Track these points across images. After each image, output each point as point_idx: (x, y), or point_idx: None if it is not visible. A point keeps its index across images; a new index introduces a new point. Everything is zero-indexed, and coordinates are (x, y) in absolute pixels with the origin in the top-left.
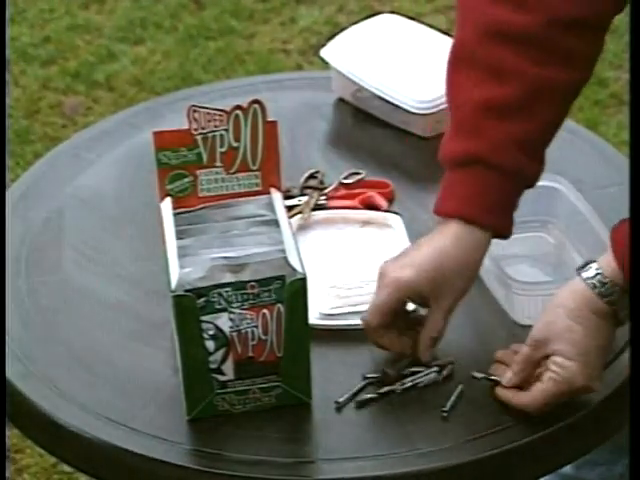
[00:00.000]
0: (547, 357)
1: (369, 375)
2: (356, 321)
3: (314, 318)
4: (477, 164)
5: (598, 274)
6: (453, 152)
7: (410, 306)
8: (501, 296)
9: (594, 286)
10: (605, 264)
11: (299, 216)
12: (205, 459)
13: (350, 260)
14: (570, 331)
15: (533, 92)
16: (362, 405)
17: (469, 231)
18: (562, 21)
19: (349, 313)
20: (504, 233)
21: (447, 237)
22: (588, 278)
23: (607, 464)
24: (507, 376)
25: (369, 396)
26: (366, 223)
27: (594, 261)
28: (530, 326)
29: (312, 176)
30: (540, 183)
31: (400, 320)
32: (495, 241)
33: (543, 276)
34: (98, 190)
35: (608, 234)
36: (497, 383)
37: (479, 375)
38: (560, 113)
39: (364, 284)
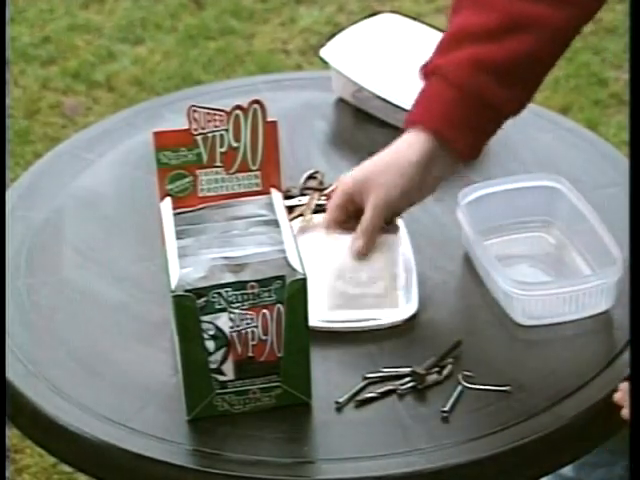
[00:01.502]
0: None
1: (369, 375)
2: (358, 323)
3: (316, 320)
4: (433, 74)
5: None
6: (424, 66)
7: None
8: (501, 296)
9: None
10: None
11: (300, 219)
12: (205, 459)
13: (351, 263)
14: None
15: (509, 23)
16: (362, 405)
17: (411, 135)
18: None
19: (350, 317)
20: (452, 145)
21: (394, 142)
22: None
23: (607, 466)
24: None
25: (369, 396)
26: None
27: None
28: (530, 327)
29: (312, 177)
30: (540, 183)
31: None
32: (495, 242)
33: (543, 276)
34: (98, 190)
35: (608, 234)
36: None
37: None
38: (542, 48)
39: (366, 286)
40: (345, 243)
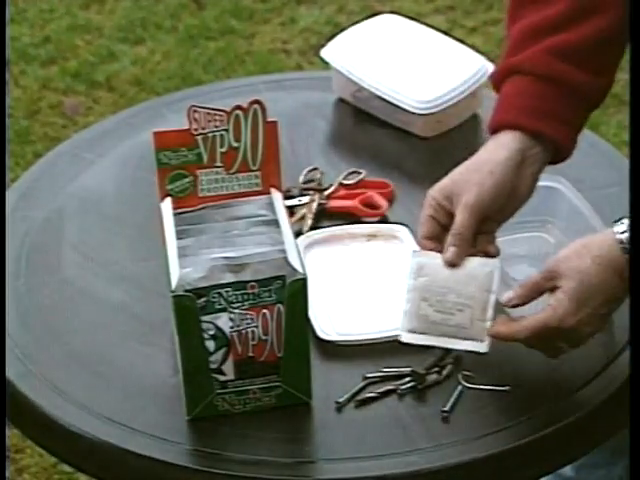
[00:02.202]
0: (553, 290)
1: (369, 375)
2: (371, 335)
3: (335, 334)
4: (513, 75)
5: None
6: (495, 72)
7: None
8: (501, 296)
9: (621, 241)
10: None
11: (304, 236)
12: (205, 459)
13: (360, 276)
14: (582, 272)
15: (578, 9)
16: (362, 405)
17: (502, 134)
18: None
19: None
20: (549, 137)
21: (483, 147)
22: (618, 232)
23: (607, 466)
24: (507, 295)
25: (369, 396)
26: (372, 237)
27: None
28: None
29: (311, 176)
30: (540, 183)
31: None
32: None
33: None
34: (98, 190)
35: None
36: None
37: None
38: (613, 28)
39: (450, 313)
40: (351, 256)
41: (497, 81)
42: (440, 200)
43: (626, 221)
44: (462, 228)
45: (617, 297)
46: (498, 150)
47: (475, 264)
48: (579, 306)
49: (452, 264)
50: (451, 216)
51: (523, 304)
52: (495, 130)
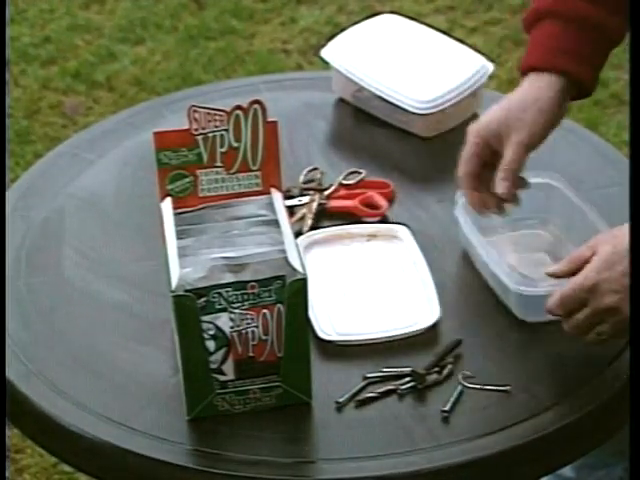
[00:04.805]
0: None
1: (369, 375)
2: (371, 335)
3: (335, 334)
4: (545, 18)
5: None
6: (526, 16)
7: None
8: (502, 293)
9: None
10: None
11: (304, 236)
12: (205, 459)
13: (360, 276)
14: (616, 237)
15: None
16: (362, 405)
17: (538, 76)
18: None
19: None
20: (579, 78)
21: (519, 88)
22: None
23: (607, 467)
24: (553, 268)
25: (369, 396)
26: (372, 237)
27: None
28: (530, 326)
29: (311, 176)
30: (536, 180)
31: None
32: (492, 240)
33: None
34: (98, 190)
35: (606, 228)
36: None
37: None
38: None
39: (378, 299)
40: (351, 256)
41: (529, 23)
42: (488, 138)
43: None
44: (515, 164)
45: None
46: (543, 90)
47: None
48: (607, 265)
49: (507, 198)
50: (496, 153)
51: (569, 275)
52: (531, 69)
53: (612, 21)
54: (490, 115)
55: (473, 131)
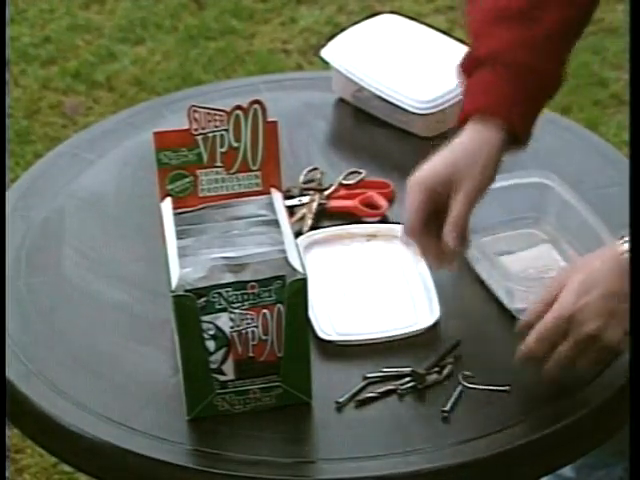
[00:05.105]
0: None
1: (369, 375)
2: (371, 335)
3: (335, 334)
4: (485, 65)
5: None
6: (464, 61)
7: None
8: (501, 292)
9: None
10: None
11: (304, 236)
12: (205, 459)
13: (360, 276)
14: (587, 265)
15: None
16: (362, 405)
17: (481, 125)
18: None
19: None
20: (518, 130)
21: (461, 135)
22: (625, 252)
23: (607, 467)
24: (522, 322)
25: (369, 396)
26: (372, 237)
27: None
28: None
29: (311, 176)
30: (530, 180)
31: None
32: (487, 239)
33: (536, 272)
34: (98, 190)
35: (602, 227)
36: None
37: None
38: (572, 15)
39: (378, 299)
40: (351, 256)
41: (468, 69)
42: (435, 188)
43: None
44: (465, 215)
45: (616, 292)
46: (489, 140)
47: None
48: (584, 291)
49: (456, 250)
50: (442, 203)
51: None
52: (474, 117)
53: (555, 71)
54: (436, 166)
55: (419, 182)
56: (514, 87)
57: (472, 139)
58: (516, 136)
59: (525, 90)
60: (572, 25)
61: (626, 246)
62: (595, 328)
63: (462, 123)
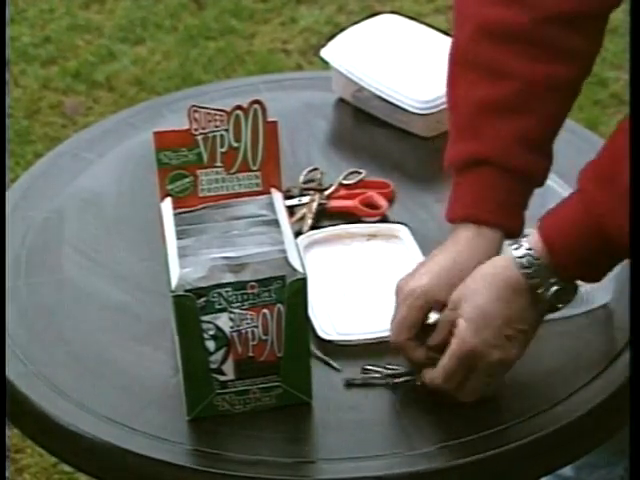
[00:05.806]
0: None
1: (369, 375)
2: (371, 335)
3: (335, 334)
4: (481, 165)
5: (528, 254)
6: (456, 156)
7: (432, 317)
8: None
9: (522, 266)
10: (534, 244)
11: (304, 235)
12: (205, 459)
13: (360, 275)
14: (476, 293)
15: (529, 89)
16: (362, 405)
17: (480, 233)
18: (558, 17)
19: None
20: (515, 233)
21: (459, 242)
22: (517, 257)
23: (607, 466)
24: (433, 337)
25: (369, 395)
26: (372, 236)
27: (524, 240)
28: None
29: (311, 176)
30: None
31: (428, 332)
32: None
33: None
34: (98, 190)
35: None
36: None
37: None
38: (560, 108)
39: (378, 299)
40: (352, 256)
41: (459, 166)
42: (433, 301)
43: (525, 244)
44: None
45: (521, 317)
46: (488, 254)
47: None
48: (478, 327)
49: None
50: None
51: (444, 342)
52: (472, 221)
53: (544, 169)
54: (435, 278)
55: (412, 293)
56: (505, 191)
57: (471, 248)
58: (513, 233)
59: (523, 195)
60: (562, 115)
61: (517, 252)
62: (501, 356)
63: (452, 222)
